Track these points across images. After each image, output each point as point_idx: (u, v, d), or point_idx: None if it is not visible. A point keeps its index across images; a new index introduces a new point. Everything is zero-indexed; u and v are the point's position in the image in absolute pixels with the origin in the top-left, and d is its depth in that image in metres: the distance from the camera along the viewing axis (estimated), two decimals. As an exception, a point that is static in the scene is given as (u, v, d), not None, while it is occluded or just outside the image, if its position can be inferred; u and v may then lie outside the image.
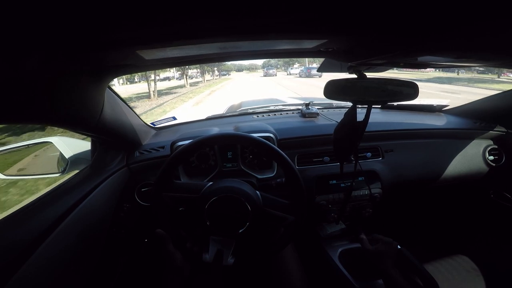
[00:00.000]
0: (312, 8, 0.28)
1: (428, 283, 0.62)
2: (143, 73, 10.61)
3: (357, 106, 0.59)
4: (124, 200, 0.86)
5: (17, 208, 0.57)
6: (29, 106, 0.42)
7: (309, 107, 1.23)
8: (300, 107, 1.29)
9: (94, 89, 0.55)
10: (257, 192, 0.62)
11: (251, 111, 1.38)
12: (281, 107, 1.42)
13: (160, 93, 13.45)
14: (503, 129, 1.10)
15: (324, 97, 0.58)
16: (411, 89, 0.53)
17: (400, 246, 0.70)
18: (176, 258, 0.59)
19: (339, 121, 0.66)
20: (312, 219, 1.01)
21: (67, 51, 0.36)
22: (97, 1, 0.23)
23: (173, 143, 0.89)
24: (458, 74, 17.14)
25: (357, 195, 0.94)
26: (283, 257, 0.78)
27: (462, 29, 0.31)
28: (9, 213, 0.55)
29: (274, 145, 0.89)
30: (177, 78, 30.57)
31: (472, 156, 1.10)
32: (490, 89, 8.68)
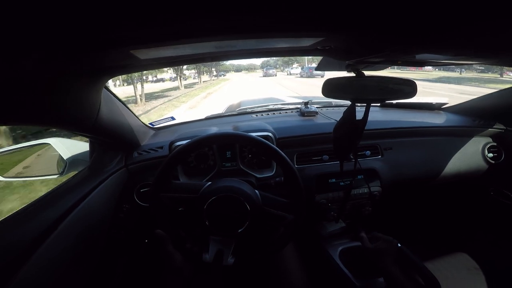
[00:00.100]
0: (310, 6, 0.28)
1: (429, 281, 0.62)
2: (129, 75, 9.59)
3: (356, 104, 0.59)
4: (123, 201, 0.86)
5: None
6: (25, 107, 0.41)
7: (308, 105, 1.23)
8: (299, 106, 1.29)
9: (90, 90, 0.55)
10: (256, 191, 0.62)
11: (250, 110, 1.38)
12: (280, 106, 1.42)
13: (151, 97, 12.58)
14: (502, 127, 1.10)
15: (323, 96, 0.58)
16: (409, 87, 0.53)
17: (400, 244, 0.70)
18: (176, 258, 0.59)
19: (338, 119, 0.65)
20: (312, 218, 1.01)
21: (63, 52, 0.35)
22: (96, 1, 0.23)
23: (172, 143, 0.89)
24: (461, 74, 17.15)
25: (357, 194, 0.94)
26: (283, 256, 0.78)
27: (462, 28, 0.30)
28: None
29: (273, 144, 0.89)
30: (171, 79, 29.18)
31: (471, 154, 1.10)
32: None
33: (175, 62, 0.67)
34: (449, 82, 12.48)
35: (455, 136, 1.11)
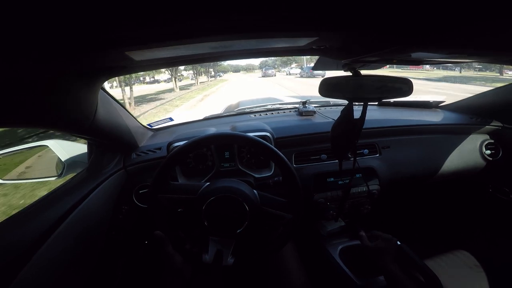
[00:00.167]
0: (301, 6, 0.28)
1: (429, 279, 0.62)
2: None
3: (354, 103, 0.59)
4: (122, 202, 0.86)
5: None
6: (21, 109, 0.41)
7: (306, 105, 1.24)
8: (297, 105, 1.29)
9: (86, 91, 0.55)
10: (255, 191, 0.62)
11: (248, 110, 1.38)
12: (278, 106, 1.42)
13: (143, 100, 11.57)
14: (499, 124, 1.11)
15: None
16: (405, 86, 0.53)
17: (399, 242, 0.70)
18: (176, 259, 0.58)
19: (336, 118, 0.66)
20: (311, 217, 1.01)
21: (58, 52, 0.35)
22: (96, 1, 0.23)
23: (170, 144, 0.89)
24: (460, 73, 17.16)
25: (355, 192, 0.94)
26: (283, 256, 0.78)
27: (462, 28, 0.30)
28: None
29: (271, 144, 0.89)
30: (165, 81, 27.65)
31: (469, 151, 1.10)
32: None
33: (172, 63, 0.67)
34: (454, 82, 12.28)
35: (453, 133, 1.12)
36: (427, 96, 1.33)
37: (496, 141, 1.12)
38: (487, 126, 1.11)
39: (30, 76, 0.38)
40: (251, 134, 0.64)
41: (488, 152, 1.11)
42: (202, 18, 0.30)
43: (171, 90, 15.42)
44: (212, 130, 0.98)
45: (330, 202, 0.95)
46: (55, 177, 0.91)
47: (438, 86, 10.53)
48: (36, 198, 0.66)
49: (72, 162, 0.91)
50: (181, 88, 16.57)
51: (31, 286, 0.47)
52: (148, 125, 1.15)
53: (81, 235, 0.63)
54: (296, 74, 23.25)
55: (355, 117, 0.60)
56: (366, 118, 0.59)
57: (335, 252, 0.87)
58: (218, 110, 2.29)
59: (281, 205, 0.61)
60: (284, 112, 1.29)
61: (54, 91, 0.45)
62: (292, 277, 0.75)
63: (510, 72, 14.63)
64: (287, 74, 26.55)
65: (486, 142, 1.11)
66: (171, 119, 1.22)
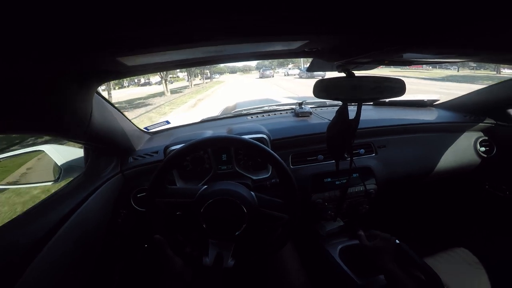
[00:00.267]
0: (289, 8, 0.27)
1: (429, 276, 0.63)
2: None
3: (349, 104, 0.60)
4: (120, 206, 0.86)
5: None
6: (14, 115, 0.41)
7: (302, 106, 1.24)
8: (293, 106, 1.30)
9: (80, 96, 0.54)
10: (252, 193, 0.62)
11: (245, 112, 1.39)
12: (275, 107, 1.43)
13: (130, 105, 10.49)
14: (492, 121, 1.13)
15: None
16: (398, 86, 0.54)
17: (398, 241, 0.70)
18: (176, 263, 0.58)
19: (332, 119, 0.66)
20: (309, 218, 1.01)
21: (59, 52, 0.35)
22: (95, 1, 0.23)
23: (167, 147, 0.89)
24: (458, 72, 17.24)
25: (353, 192, 0.95)
26: (283, 256, 0.79)
27: (462, 28, 0.30)
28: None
29: (268, 146, 0.90)
30: (156, 83, 25.45)
31: (464, 149, 1.12)
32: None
33: (168, 67, 0.67)
34: (460, 81, 11.75)
35: (447, 131, 1.13)
36: (421, 95, 1.35)
37: (490, 138, 1.13)
38: (480, 124, 1.12)
39: (30, 76, 0.37)
40: (247, 137, 0.64)
41: (483, 149, 1.12)
42: (202, 18, 0.29)
43: (162, 94, 13.96)
44: (209, 132, 0.98)
45: (328, 202, 0.95)
46: (52, 182, 0.91)
47: (445, 86, 10.06)
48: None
49: (69, 167, 0.91)
50: (173, 92, 15.06)
51: None
52: (145, 128, 1.15)
53: (80, 238, 0.63)
54: (295, 75, 22.39)
55: (350, 117, 0.60)
56: (362, 117, 0.59)
57: (335, 252, 0.87)
58: (213, 114, 2.25)
59: (279, 206, 0.61)
60: (280, 113, 1.30)
61: (50, 97, 0.45)
62: (292, 278, 0.75)
63: (507, 70, 14.74)
64: (285, 75, 25.68)
65: (480, 139, 1.13)
66: (168, 122, 1.22)
